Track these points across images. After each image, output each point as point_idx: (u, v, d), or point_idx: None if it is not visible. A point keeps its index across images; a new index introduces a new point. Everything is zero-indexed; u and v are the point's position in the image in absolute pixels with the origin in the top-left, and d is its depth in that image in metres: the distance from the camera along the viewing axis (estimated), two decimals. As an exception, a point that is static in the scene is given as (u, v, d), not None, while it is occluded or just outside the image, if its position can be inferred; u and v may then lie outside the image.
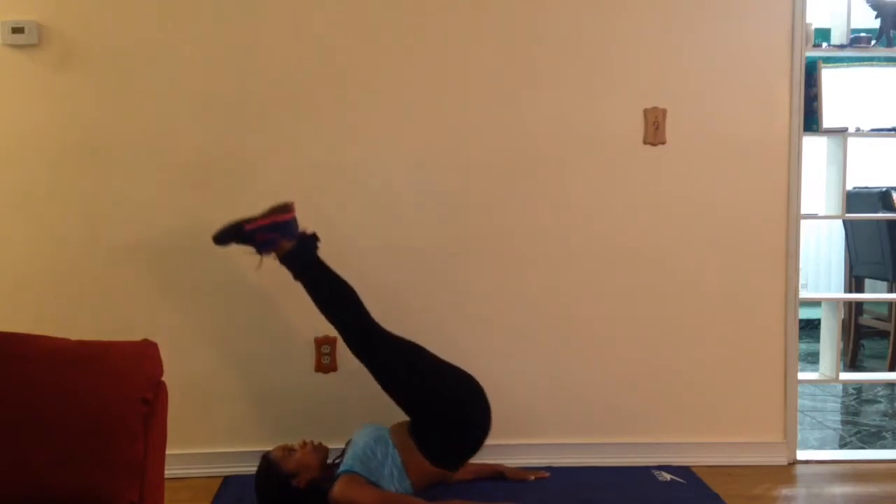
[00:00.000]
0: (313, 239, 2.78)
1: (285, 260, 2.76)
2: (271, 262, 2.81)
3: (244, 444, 3.05)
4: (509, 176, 3.12)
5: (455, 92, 3.10)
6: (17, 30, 2.91)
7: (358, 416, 3.06)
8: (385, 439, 2.67)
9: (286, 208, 2.75)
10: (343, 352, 3.10)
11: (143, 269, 3.03)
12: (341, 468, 2.58)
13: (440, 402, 2.69)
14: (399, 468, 2.61)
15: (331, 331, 3.07)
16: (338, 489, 2.51)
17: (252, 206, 3.03)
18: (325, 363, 3.12)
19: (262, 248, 2.75)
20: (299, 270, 2.76)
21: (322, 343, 3.11)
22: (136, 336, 2.01)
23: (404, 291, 3.11)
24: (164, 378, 1.98)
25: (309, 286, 2.76)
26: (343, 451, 2.76)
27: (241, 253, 3.05)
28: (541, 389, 3.18)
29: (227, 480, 2.98)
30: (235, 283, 3.07)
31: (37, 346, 1.90)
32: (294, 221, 2.76)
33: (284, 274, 3.07)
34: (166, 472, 1.99)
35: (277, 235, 2.73)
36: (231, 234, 2.75)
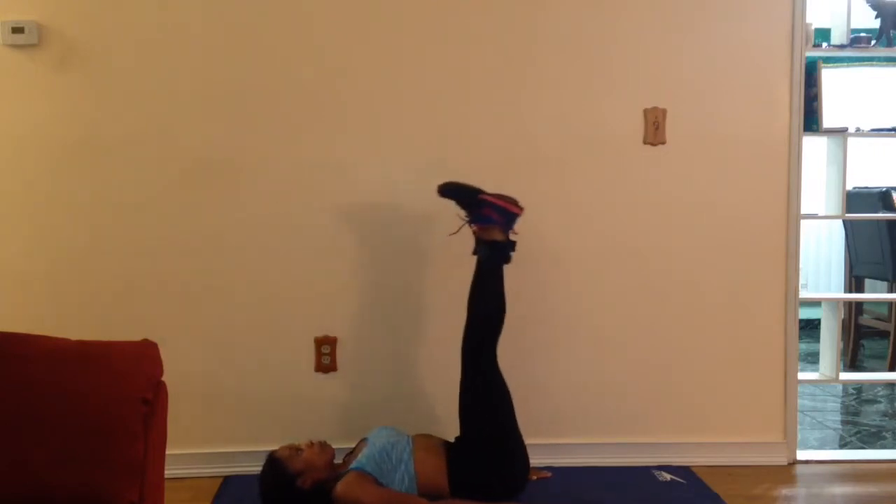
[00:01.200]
0: (514, 247, 2.77)
1: (488, 245, 2.73)
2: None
3: (244, 444, 3.05)
4: (509, 176, 3.12)
5: (455, 92, 3.10)
6: (17, 30, 2.91)
7: (358, 417, 3.06)
8: (404, 446, 2.66)
9: (519, 204, 2.75)
10: (343, 352, 3.11)
11: (143, 269, 3.03)
12: (353, 464, 2.57)
13: (501, 444, 2.67)
14: (411, 477, 2.60)
15: (331, 331, 3.09)
16: (342, 484, 2.51)
17: (253, 206, 3.05)
18: (325, 363, 3.12)
19: (478, 220, 2.74)
20: (489, 263, 2.74)
21: (322, 343, 3.11)
22: (136, 336, 2.01)
23: (404, 291, 3.11)
24: (164, 378, 1.98)
25: (485, 280, 2.74)
26: (352, 450, 2.76)
27: (242, 253, 3.06)
28: (540, 389, 3.17)
29: (227, 480, 2.98)
30: (235, 283, 3.07)
31: (37, 346, 1.90)
32: (517, 219, 2.75)
33: (285, 274, 3.08)
34: (166, 472, 1.99)
35: (499, 219, 2.72)
36: (461, 192, 2.75)
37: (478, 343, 2.73)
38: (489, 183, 3.10)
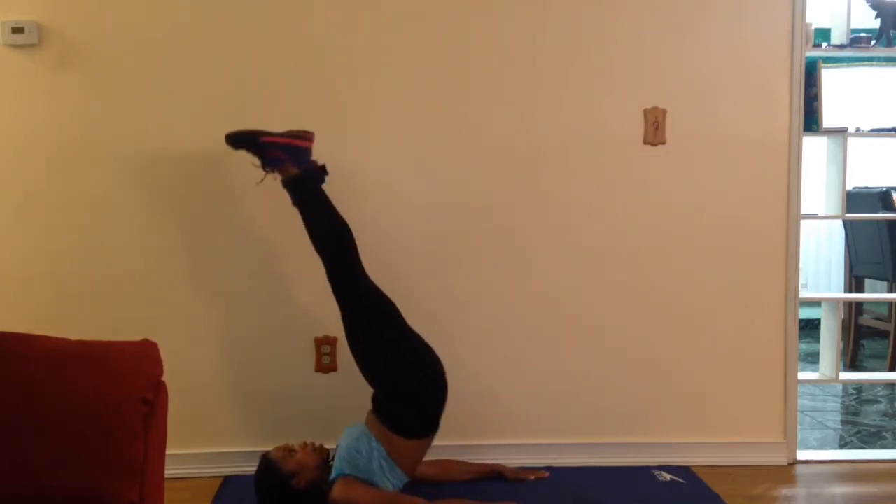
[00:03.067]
0: (321, 171, 2.76)
1: (288, 184, 2.74)
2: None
3: (244, 444, 3.05)
4: (509, 176, 3.12)
5: (455, 92, 3.09)
6: (17, 30, 2.91)
7: (358, 417, 3.05)
8: (366, 434, 2.66)
9: (306, 136, 2.75)
10: (343, 352, 3.10)
11: (143, 269, 3.03)
12: (332, 475, 2.58)
13: (406, 361, 2.67)
14: (386, 458, 2.61)
15: (331, 331, 3.09)
16: (336, 493, 2.52)
17: (253, 205, 3.05)
18: (325, 363, 3.12)
19: (268, 164, 2.74)
20: (299, 197, 2.73)
21: (322, 343, 3.11)
22: (136, 336, 2.01)
23: (404, 291, 3.10)
24: (164, 378, 1.98)
25: (305, 215, 2.73)
26: (334, 457, 2.76)
27: (241, 252, 3.06)
28: (541, 389, 3.18)
29: (227, 480, 2.98)
30: (236, 283, 3.07)
31: (37, 346, 1.90)
32: (308, 151, 2.75)
33: (285, 274, 3.08)
34: (166, 472, 1.99)
35: (287, 157, 2.72)
36: (245, 140, 2.74)
37: (341, 279, 2.71)
38: (489, 182, 3.12)
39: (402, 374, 2.67)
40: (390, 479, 2.61)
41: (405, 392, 2.67)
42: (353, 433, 2.69)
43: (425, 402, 2.68)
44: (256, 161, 2.76)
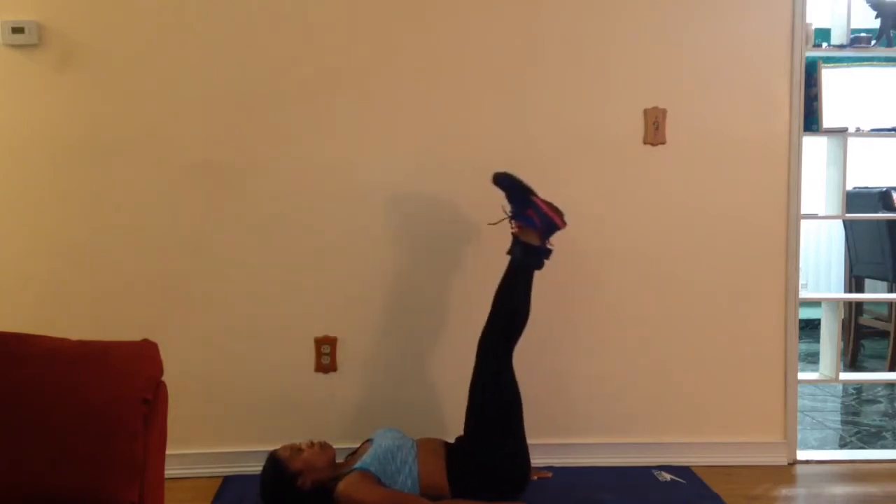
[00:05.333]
0: (548, 255, 2.77)
1: (522, 247, 2.74)
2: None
3: (244, 444, 3.05)
4: (509, 176, 3.12)
5: (455, 92, 3.10)
6: (17, 30, 2.91)
7: (358, 417, 3.07)
8: (409, 449, 2.66)
9: (563, 218, 2.76)
10: (343, 352, 3.11)
11: (143, 269, 3.03)
12: (357, 464, 2.57)
13: (504, 445, 2.67)
14: (414, 479, 2.60)
15: (331, 331, 3.09)
16: (344, 484, 2.51)
17: (253, 205, 3.05)
18: (325, 363, 3.12)
19: (520, 219, 2.74)
20: (522, 263, 2.74)
21: (322, 343, 3.11)
22: (136, 336, 2.01)
23: (403, 291, 3.11)
24: (164, 378, 1.98)
25: (513, 280, 2.75)
26: (355, 451, 2.76)
27: (242, 253, 3.06)
28: (541, 389, 3.17)
29: (227, 480, 2.98)
30: (236, 283, 3.07)
31: (37, 346, 1.90)
32: (557, 230, 2.76)
33: (285, 274, 3.08)
34: (166, 472, 1.99)
35: (540, 224, 2.73)
36: (515, 187, 2.75)
37: (497, 341, 2.73)
38: (489, 183, 3.11)
39: (498, 453, 2.66)
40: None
41: (487, 468, 2.65)
42: (396, 438, 2.69)
43: (495, 487, 2.65)
44: (507, 206, 2.77)
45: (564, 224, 2.76)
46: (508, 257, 2.75)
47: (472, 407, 2.72)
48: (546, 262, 2.76)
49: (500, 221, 2.79)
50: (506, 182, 2.76)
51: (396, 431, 2.77)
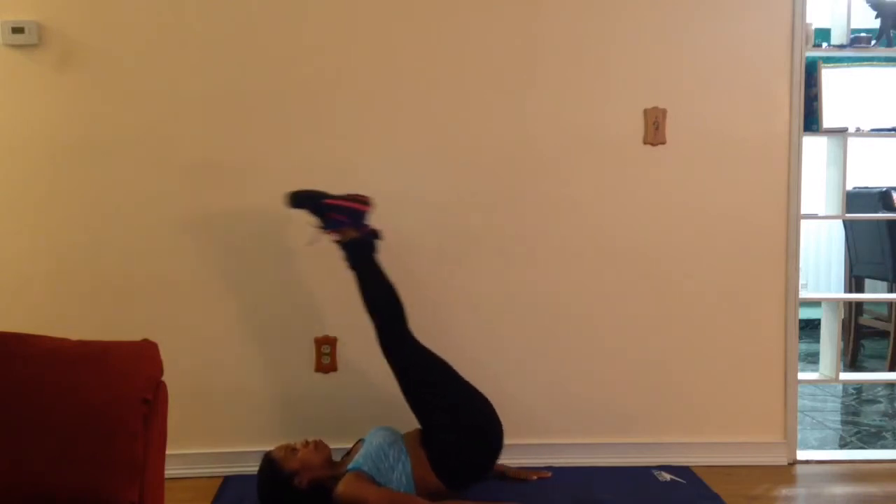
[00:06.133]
0: (376, 236, 2.80)
1: (346, 246, 2.78)
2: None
3: (244, 444, 3.06)
4: (509, 176, 3.12)
5: (455, 92, 3.10)
6: (17, 30, 2.91)
7: (358, 417, 3.06)
8: (400, 445, 2.66)
9: (366, 201, 2.79)
10: (343, 352, 3.11)
11: (143, 269, 3.03)
12: (350, 465, 2.57)
13: (456, 424, 2.67)
14: (408, 476, 2.60)
15: (331, 331, 3.09)
16: (343, 485, 2.51)
17: (253, 205, 3.05)
18: (325, 363, 3.12)
19: (328, 225, 2.78)
20: (354, 261, 2.78)
21: (322, 343, 3.11)
22: (136, 336, 2.01)
23: (403, 291, 3.11)
24: (164, 378, 1.98)
25: (359, 278, 2.77)
26: (349, 451, 2.76)
27: (242, 253, 3.06)
28: (541, 389, 3.18)
29: (227, 480, 2.98)
30: (236, 283, 3.07)
31: (37, 346, 1.90)
32: (366, 215, 2.79)
33: (285, 274, 3.08)
34: (166, 472, 1.99)
35: (347, 220, 2.76)
36: (308, 200, 2.78)
37: (390, 335, 2.74)
38: (489, 183, 3.12)
39: (460, 438, 2.66)
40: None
41: (452, 444, 2.65)
42: (388, 436, 2.69)
43: (472, 467, 2.68)
44: (314, 221, 2.79)
45: (369, 205, 2.78)
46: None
47: (413, 407, 2.72)
48: (377, 241, 2.79)
49: (316, 241, 2.81)
50: (298, 200, 2.79)
51: (388, 429, 2.77)
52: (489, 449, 2.70)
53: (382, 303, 2.75)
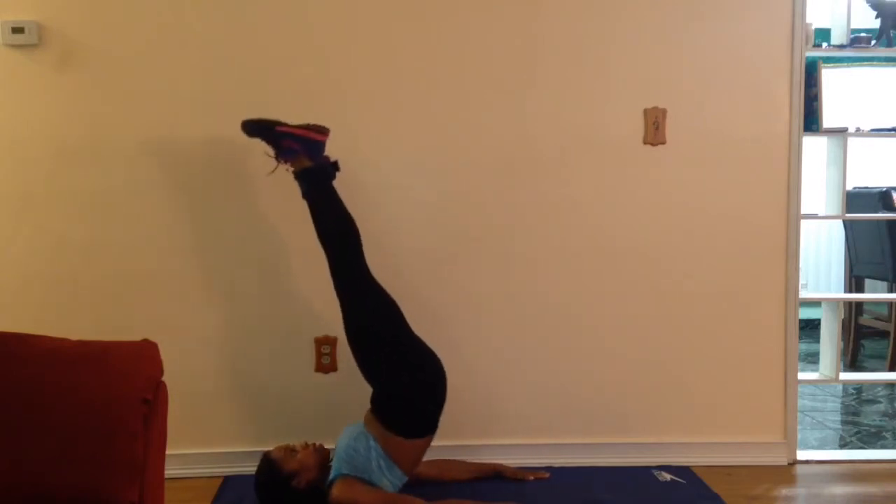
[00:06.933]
0: (333, 167, 2.77)
1: (299, 176, 2.74)
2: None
3: (244, 444, 3.06)
4: (509, 176, 3.12)
5: (455, 92, 3.10)
6: (17, 30, 2.91)
7: (358, 417, 3.05)
8: (364, 434, 2.65)
9: (322, 130, 2.75)
10: (343, 352, 3.10)
11: (143, 269, 3.03)
12: (331, 476, 2.58)
13: (405, 361, 2.67)
14: (384, 458, 2.60)
15: (331, 331, 3.09)
16: (336, 493, 2.52)
17: (253, 205, 3.05)
18: (325, 363, 3.12)
19: (282, 154, 2.75)
20: (309, 190, 2.74)
21: (322, 343, 3.11)
22: (136, 336, 2.01)
23: (403, 291, 3.11)
24: (164, 378, 1.98)
25: (314, 209, 2.73)
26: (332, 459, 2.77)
27: (241, 252, 3.06)
28: (541, 389, 3.18)
29: (227, 480, 2.99)
30: (236, 283, 3.08)
31: (37, 346, 1.90)
32: (322, 145, 2.75)
33: (285, 274, 3.08)
34: (166, 472, 1.99)
35: (302, 149, 2.72)
36: (261, 128, 2.75)
37: (343, 275, 2.71)
38: (489, 183, 3.12)
39: (401, 373, 2.66)
40: (389, 479, 2.61)
41: (403, 391, 2.66)
42: (351, 432, 2.69)
43: (424, 401, 2.67)
44: (270, 151, 2.77)
45: (325, 134, 2.75)
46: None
47: (356, 342, 2.69)
48: (337, 172, 2.75)
49: (274, 170, 2.78)
50: (251, 128, 2.75)
51: (348, 427, 2.75)
52: (435, 402, 2.69)
53: (334, 230, 2.71)
